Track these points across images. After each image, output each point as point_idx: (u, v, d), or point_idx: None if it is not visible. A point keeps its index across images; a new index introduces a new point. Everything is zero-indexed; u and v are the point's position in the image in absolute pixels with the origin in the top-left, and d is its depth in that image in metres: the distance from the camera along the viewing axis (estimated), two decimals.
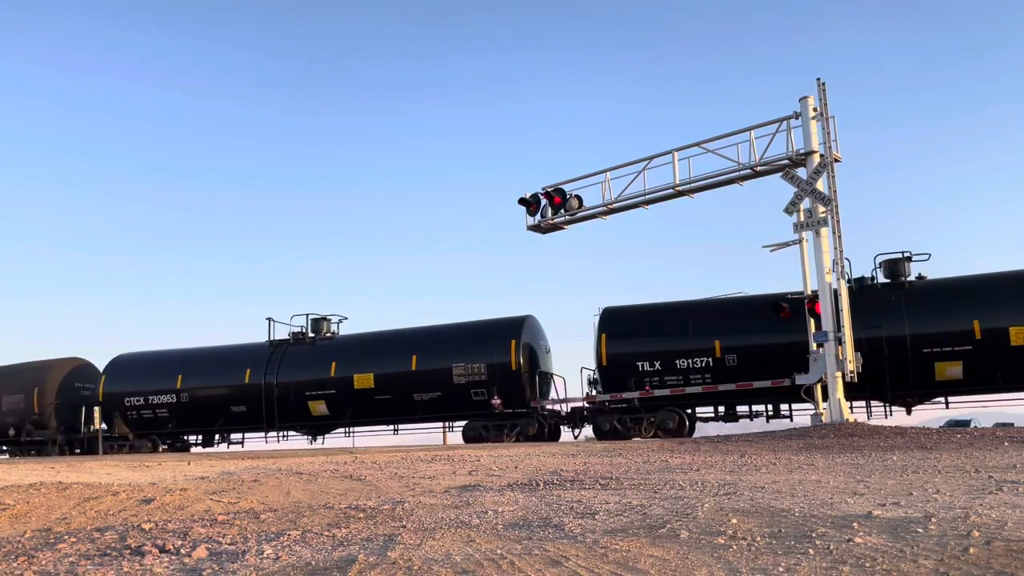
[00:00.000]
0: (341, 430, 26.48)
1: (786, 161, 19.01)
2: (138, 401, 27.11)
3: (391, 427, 25.54)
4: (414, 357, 24.12)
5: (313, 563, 4.50)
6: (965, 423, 24.55)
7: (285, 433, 26.20)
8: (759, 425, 20.99)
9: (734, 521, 5.24)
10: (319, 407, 25.07)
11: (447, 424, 24.80)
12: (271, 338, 26.51)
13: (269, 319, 26.48)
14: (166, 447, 27.58)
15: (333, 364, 25.03)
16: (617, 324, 22.48)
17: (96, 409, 27.15)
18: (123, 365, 28.19)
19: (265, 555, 4.82)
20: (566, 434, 23.92)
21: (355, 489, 9.13)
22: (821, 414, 18.01)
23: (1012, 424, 20.70)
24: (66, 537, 5.99)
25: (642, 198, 20.92)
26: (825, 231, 18.09)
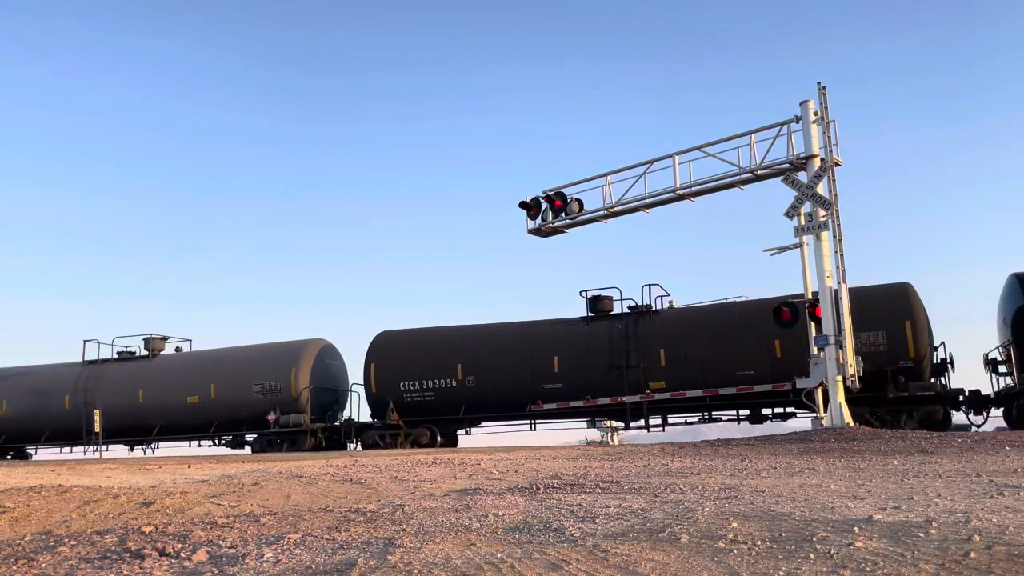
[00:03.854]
0: None
1: (787, 165, 19.02)
2: None
3: None
4: None
5: (313, 566, 4.49)
6: (966, 428, 24.44)
7: None
8: (766, 428, 20.96)
9: (735, 525, 5.24)
10: None
11: None
12: None
13: None
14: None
15: None
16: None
17: None
18: None
19: (265, 558, 4.81)
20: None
21: (355, 492, 9.13)
22: (822, 418, 17.98)
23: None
24: (66, 540, 5.98)
25: (643, 202, 20.92)
26: (826, 235, 18.08)
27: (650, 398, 21.32)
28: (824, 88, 18.54)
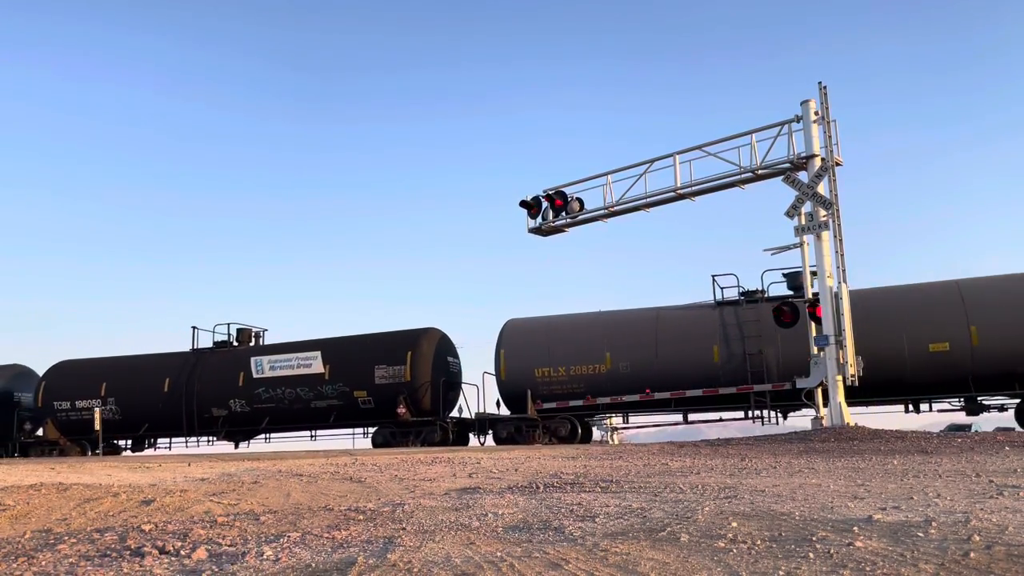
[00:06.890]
0: None
1: (787, 164, 19.03)
2: None
3: None
4: None
5: (313, 565, 4.50)
6: (966, 428, 24.46)
7: None
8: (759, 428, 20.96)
9: (734, 524, 5.24)
10: None
11: None
12: None
13: None
14: None
15: None
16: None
17: None
18: None
19: (265, 557, 4.81)
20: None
21: (355, 491, 9.13)
22: (821, 418, 17.99)
23: (1013, 429, 20.67)
24: (66, 538, 5.98)
25: (643, 201, 20.96)
26: (826, 234, 18.09)
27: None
28: (825, 88, 18.56)
